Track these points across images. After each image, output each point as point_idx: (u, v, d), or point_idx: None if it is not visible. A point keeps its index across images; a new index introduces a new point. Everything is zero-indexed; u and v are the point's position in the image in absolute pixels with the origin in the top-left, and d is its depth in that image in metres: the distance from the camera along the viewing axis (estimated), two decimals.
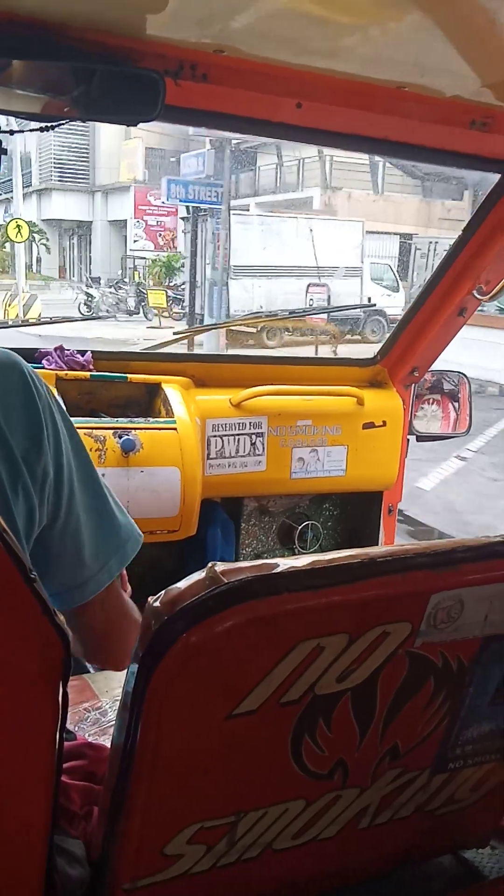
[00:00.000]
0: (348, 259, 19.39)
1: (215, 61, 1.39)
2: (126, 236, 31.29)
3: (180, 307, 20.91)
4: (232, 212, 16.80)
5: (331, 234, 19.22)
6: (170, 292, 21.84)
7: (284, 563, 0.80)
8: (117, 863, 0.87)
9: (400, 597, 0.84)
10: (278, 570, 0.79)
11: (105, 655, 1.25)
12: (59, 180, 32.14)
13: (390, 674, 0.87)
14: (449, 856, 1.17)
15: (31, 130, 1.34)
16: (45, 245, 31.88)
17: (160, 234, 30.62)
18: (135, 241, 30.44)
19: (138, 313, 21.66)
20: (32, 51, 1.25)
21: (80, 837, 0.96)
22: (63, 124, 1.34)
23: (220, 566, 0.78)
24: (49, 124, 1.33)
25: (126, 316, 20.73)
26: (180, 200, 16.59)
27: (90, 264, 33.74)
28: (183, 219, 24.42)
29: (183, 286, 23.81)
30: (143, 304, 21.67)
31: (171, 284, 24.71)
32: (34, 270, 31.72)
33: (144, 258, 28.28)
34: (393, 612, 0.84)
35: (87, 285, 24.76)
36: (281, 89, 1.49)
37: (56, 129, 1.33)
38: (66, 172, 32.11)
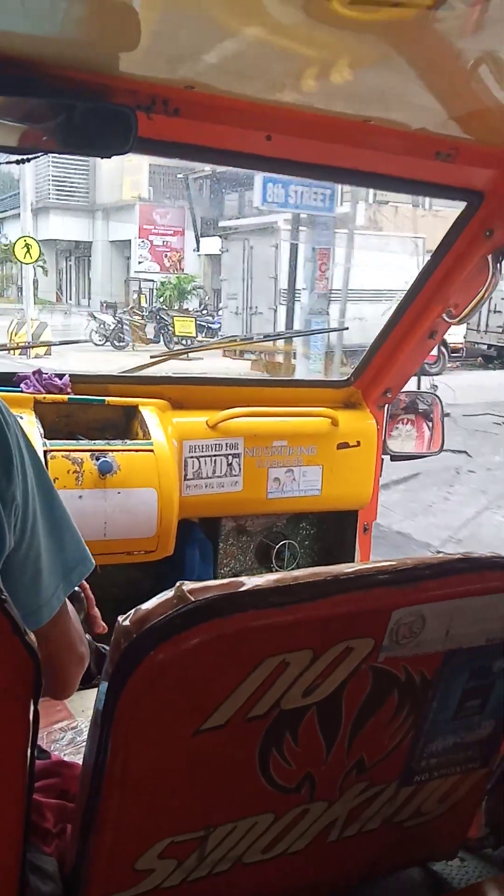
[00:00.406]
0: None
1: (187, 97, 1.43)
2: (129, 257, 29.82)
3: (203, 335, 19.07)
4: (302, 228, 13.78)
5: (391, 250, 16.97)
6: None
7: (250, 582, 0.83)
8: (89, 879, 0.89)
9: (363, 613, 0.87)
10: (244, 588, 0.82)
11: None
12: (58, 198, 29.83)
13: (355, 688, 0.90)
14: (417, 868, 1.19)
15: (7, 163, 1.38)
16: (42, 267, 29.47)
17: (166, 255, 28.97)
18: (139, 263, 28.69)
19: (157, 342, 19.48)
20: (10, 87, 1.29)
21: (54, 855, 0.98)
22: (39, 157, 1.38)
23: (188, 585, 0.81)
24: (26, 157, 1.37)
25: (143, 345, 18.74)
26: (279, 206, 12.86)
27: (89, 287, 32.28)
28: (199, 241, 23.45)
29: (201, 311, 22.77)
30: (163, 331, 19.63)
31: (185, 309, 23.56)
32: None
33: (152, 280, 26.80)
34: (356, 628, 0.87)
35: (99, 311, 22.62)
36: (251, 123, 1.54)
37: None
38: (64, 190, 29.95)
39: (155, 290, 26.31)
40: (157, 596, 0.81)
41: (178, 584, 0.81)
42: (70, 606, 1.10)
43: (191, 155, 1.64)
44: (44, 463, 1.91)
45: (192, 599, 0.79)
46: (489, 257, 2.09)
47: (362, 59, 1.31)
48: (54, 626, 1.03)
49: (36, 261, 18.52)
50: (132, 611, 0.81)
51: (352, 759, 0.96)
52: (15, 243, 16.97)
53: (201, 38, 1.21)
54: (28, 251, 16.00)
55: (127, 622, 0.79)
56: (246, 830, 0.93)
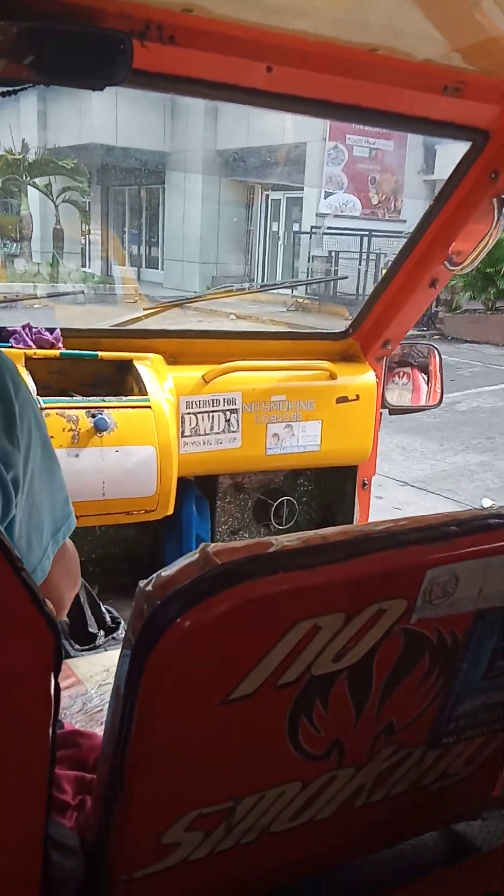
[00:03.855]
0: None
1: (183, 22, 1.33)
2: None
3: None
4: None
5: None
6: None
7: (278, 542, 0.78)
8: (114, 853, 0.85)
9: (395, 573, 0.83)
10: (272, 549, 0.77)
11: None
12: None
13: (386, 651, 0.86)
14: (442, 830, 1.17)
15: None
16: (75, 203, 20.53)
17: (374, 179, 15.46)
18: (324, 197, 15.81)
19: None
20: None
21: (74, 828, 0.94)
22: (25, 89, 1.27)
23: (213, 547, 0.75)
24: (11, 89, 1.27)
25: None
26: None
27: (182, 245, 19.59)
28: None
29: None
30: None
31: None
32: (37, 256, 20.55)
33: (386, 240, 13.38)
34: (389, 588, 0.82)
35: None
36: (251, 52, 1.45)
37: None
38: None
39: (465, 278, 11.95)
40: (180, 559, 0.76)
41: (202, 545, 0.76)
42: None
43: (186, 89, 1.54)
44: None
45: (218, 562, 0.74)
46: (494, 201, 2.01)
47: None
48: (49, 581, 1.04)
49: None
50: (154, 575, 0.75)
51: (381, 723, 0.93)
52: None
53: None
54: None
55: (149, 587, 0.74)
56: (274, 799, 0.90)
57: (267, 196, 19.99)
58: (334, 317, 12.65)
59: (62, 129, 20.04)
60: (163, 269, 21.46)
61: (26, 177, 20.67)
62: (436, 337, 13.99)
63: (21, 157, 20.44)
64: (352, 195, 15.60)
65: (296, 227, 18.34)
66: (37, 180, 20.55)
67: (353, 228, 15.15)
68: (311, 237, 16.53)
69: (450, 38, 1.47)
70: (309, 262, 16.57)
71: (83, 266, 21.24)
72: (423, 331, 13.99)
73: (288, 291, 14.88)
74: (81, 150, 20.04)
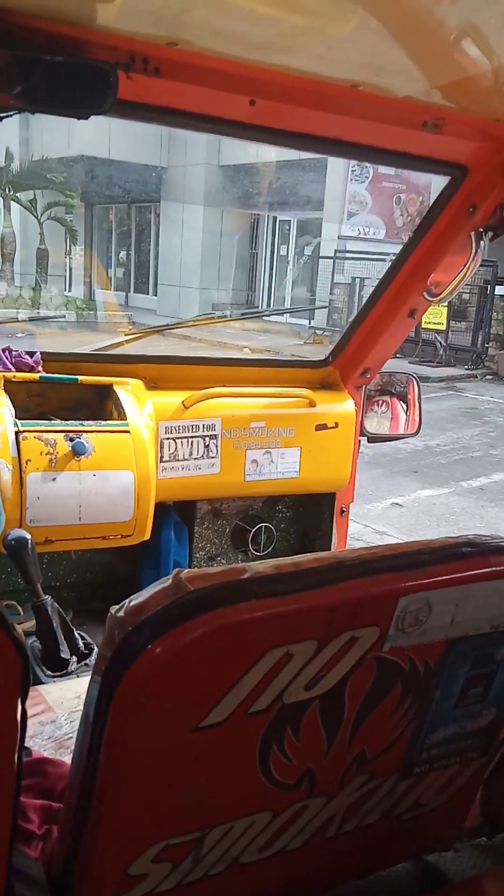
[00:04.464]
0: None
1: (168, 55, 1.35)
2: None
3: None
4: None
5: None
6: None
7: (251, 569, 0.78)
8: (79, 885, 0.84)
9: (368, 600, 0.83)
10: (245, 575, 0.77)
11: None
12: None
13: (358, 679, 0.86)
14: (413, 861, 1.16)
15: None
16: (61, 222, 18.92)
17: (399, 199, 14.22)
18: (349, 217, 14.51)
19: None
20: None
21: (39, 858, 0.92)
22: (11, 116, 1.29)
23: (185, 573, 0.75)
24: None
25: None
26: None
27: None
28: None
29: None
30: None
31: None
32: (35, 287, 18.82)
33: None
34: (361, 616, 0.82)
35: None
36: (234, 86, 1.47)
37: None
38: None
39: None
40: (152, 584, 0.76)
41: (174, 571, 0.76)
42: None
43: (170, 120, 1.56)
44: (14, 443, 1.84)
45: (191, 588, 0.73)
46: (471, 234, 2.05)
47: (347, 22, 1.25)
48: None
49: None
50: (125, 601, 0.75)
51: (353, 752, 0.92)
52: None
53: None
54: None
55: (121, 613, 0.73)
56: (243, 830, 0.89)
57: (275, 217, 18.78)
58: None
59: (49, 138, 17.85)
60: (156, 295, 20.16)
61: (9, 190, 18.71)
62: (488, 378, 12.87)
63: (4, 167, 18.49)
64: (376, 216, 14.10)
65: (308, 252, 17.74)
66: (19, 195, 18.75)
67: (376, 253, 13.15)
68: (334, 262, 14.66)
69: (430, 76, 1.50)
70: (331, 289, 14.88)
71: (66, 290, 20.20)
72: (472, 369, 12.91)
73: (304, 321, 14.01)
74: (71, 163, 18.35)
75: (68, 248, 20.29)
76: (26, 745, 1.18)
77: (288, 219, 18.56)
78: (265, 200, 17.59)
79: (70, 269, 21.04)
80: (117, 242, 22.39)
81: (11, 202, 18.97)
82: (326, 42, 1.35)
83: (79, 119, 1.30)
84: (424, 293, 2.21)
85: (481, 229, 2.04)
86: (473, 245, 2.08)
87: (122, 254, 22.16)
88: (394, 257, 2.23)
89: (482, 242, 2.09)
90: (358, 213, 14.67)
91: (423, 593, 0.85)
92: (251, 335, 13.20)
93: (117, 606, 0.75)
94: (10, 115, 1.29)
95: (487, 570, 0.90)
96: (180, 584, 0.74)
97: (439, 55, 1.38)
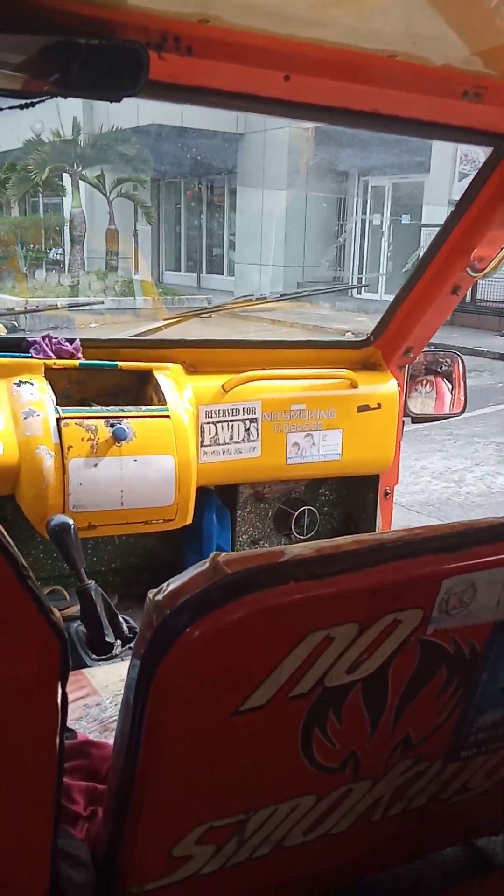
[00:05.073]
0: None
1: (200, 33, 1.33)
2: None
3: None
4: None
5: None
6: None
7: (290, 551, 0.77)
8: (124, 866, 0.84)
9: (411, 582, 0.81)
10: (284, 558, 0.76)
11: None
12: None
13: (402, 663, 0.84)
14: (462, 845, 1.15)
15: (9, 108, 1.28)
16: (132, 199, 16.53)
17: None
18: (460, 179, 13.05)
19: None
20: (8, 24, 1.20)
21: (85, 839, 0.93)
22: (44, 101, 1.28)
23: (223, 556, 0.74)
24: (28, 101, 1.28)
25: None
26: None
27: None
28: None
29: None
30: None
31: None
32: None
33: None
34: (404, 598, 0.81)
35: None
36: (268, 62, 1.44)
37: None
38: None
39: None
40: (190, 568, 0.75)
41: (212, 554, 0.75)
42: None
43: (204, 99, 1.54)
44: (56, 430, 1.85)
45: (229, 571, 0.73)
46: None
47: None
48: None
49: None
50: (164, 584, 0.74)
51: (397, 736, 0.91)
52: None
53: None
54: None
55: (159, 597, 0.73)
56: (287, 813, 0.88)
57: (366, 183, 17.07)
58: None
59: (116, 106, 16.47)
60: (231, 275, 18.16)
61: (77, 166, 16.69)
62: None
63: (73, 140, 16.35)
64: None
65: (405, 220, 15.88)
66: (86, 171, 16.70)
67: None
68: None
69: (469, 42, 1.45)
70: None
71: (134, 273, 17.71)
72: None
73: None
74: (142, 134, 16.27)
75: (135, 229, 18.26)
76: (72, 727, 1.19)
77: (382, 184, 17.02)
78: (355, 163, 15.73)
79: (136, 251, 18.85)
80: (187, 219, 20.36)
81: (80, 180, 16.95)
82: (360, 12, 1.31)
83: (111, 102, 1.29)
84: (468, 269, 2.15)
85: None
86: None
87: (193, 232, 20.04)
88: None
89: None
90: (470, 174, 14.52)
91: (467, 575, 0.83)
92: (347, 316, 12.05)
93: (156, 590, 0.74)
94: (43, 100, 1.28)
95: None
96: (218, 567, 0.73)
97: (478, 19, 1.33)
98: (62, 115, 15.31)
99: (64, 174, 17.08)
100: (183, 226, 20.37)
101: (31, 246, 17.57)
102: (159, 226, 19.69)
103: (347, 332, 10.69)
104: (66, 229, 17.38)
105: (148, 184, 17.88)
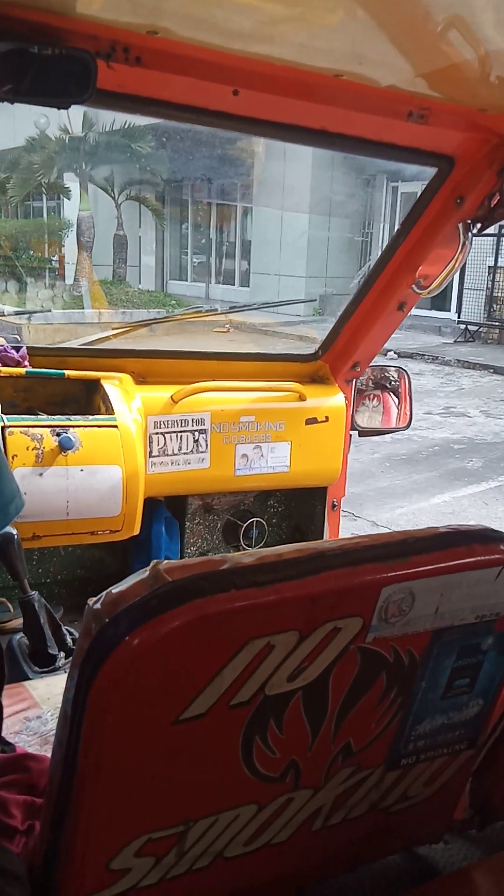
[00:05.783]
0: None
1: (149, 44, 1.34)
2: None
3: None
4: None
5: None
6: None
7: (231, 559, 0.77)
8: (61, 881, 0.83)
9: (350, 591, 0.82)
10: (225, 566, 0.76)
11: None
12: None
13: (342, 671, 0.85)
14: (403, 853, 1.16)
15: None
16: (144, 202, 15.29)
17: None
18: None
19: None
20: None
21: (21, 854, 0.91)
22: None
23: (164, 564, 0.74)
24: None
25: None
26: None
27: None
28: None
29: None
30: None
31: None
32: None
33: None
34: (343, 606, 0.82)
35: None
36: (217, 76, 1.46)
37: None
38: None
39: None
40: (131, 576, 0.75)
41: (153, 562, 0.75)
42: None
43: (153, 111, 1.55)
44: (0, 438, 1.83)
45: (170, 579, 0.72)
46: (459, 226, 2.04)
47: (327, 11, 1.24)
48: None
49: None
50: (103, 593, 0.74)
51: (338, 744, 0.91)
52: None
53: None
54: None
55: (98, 605, 0.72)
56: (228, 823, 0.88)
57: (395, 188, 15.80)
58: None
59: None
60: (245, 286, 16.77)
61: (87, 166, 15.35)
62: None
63: (82, 137, 15.02)
64: None
65: None
66: (93, 172, 15.38)
67: None
68: (498, 240, 11.42)
69: (414, 64, 1.48)
70: (491, 277, 11.83)
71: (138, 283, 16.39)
72: None
73: (445, 314, 11.48)
74: (153, 130, 14.59)
75: (144, 233, 16.60)
76: (11, 741, 1.17)
77: (415, 190, 16.48)
78: (384, 168, 14.39)
79: (140, 258, 17.36)
80: (193, 225, 18.51)
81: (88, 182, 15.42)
82: (308, 30, 1.34)
83: (58, 108, 1.29)
84: (413, 286, 2.20)
85: (469, 221, 2.03)
86: (461, 237, 2.07)
87: (202, 238, 18.11)
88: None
89: (470, 234, 2.08)
90: None
91: (406, 583, 0.84)
92: None
93: (95, 598, 0.74)
94: None
95: (472, 559, 0.89)
96: (158, 574, 0.73)
97: (423, 42, 1.36)
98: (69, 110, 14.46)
99: (69, 174, 15.73)
100: (190, 230, 18.49)
101: (31, 253, 16.24)
102: (163, 231, 18.09)
103: (389, 350, 9.47)
104: (71, 234, 15.90)
105: (161, 185, 16.47)
